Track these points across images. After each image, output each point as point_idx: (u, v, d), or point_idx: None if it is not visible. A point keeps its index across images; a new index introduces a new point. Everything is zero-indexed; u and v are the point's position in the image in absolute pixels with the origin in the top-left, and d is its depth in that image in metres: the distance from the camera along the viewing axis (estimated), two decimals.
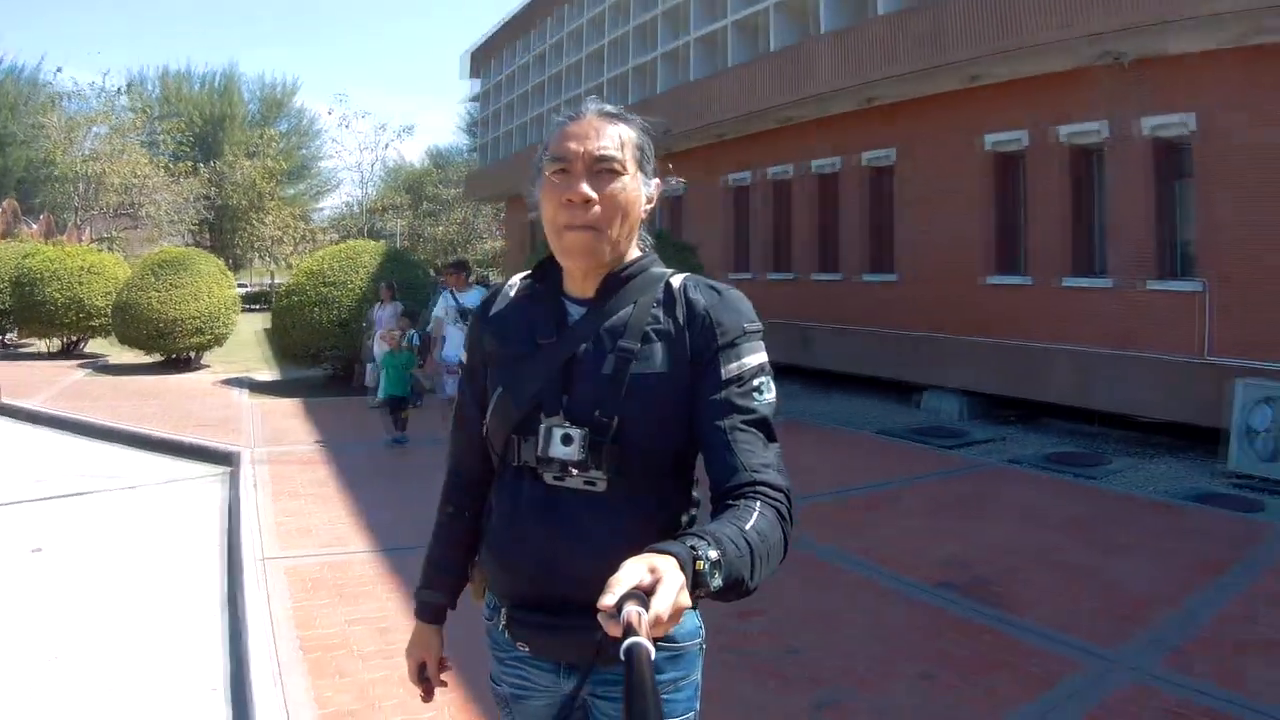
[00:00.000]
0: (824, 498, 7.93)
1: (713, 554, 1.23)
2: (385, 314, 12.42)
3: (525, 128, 31.93)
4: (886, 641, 4.81)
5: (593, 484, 1.55)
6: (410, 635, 1.91)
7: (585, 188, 1.55)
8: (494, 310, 1.76)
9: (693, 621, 1.67)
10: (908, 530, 7.10)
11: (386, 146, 59.35)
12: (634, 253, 1.69)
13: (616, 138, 1.60)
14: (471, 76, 39.25)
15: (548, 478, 1.58)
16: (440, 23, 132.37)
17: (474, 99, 40.71)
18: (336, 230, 49.86)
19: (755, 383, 1.57)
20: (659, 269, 1.69)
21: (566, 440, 1.54)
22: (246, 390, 14.65)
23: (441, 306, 9.40)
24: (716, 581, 1.22)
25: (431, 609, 1.88)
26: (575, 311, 1.66)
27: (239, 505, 7.35)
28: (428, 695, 1.91)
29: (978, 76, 13.70)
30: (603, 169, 1.57)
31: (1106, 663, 4.63)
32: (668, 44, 21.99)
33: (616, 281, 1.64)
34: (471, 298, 9.39)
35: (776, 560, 1.40)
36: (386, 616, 5.01)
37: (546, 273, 1.73)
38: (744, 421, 1.53)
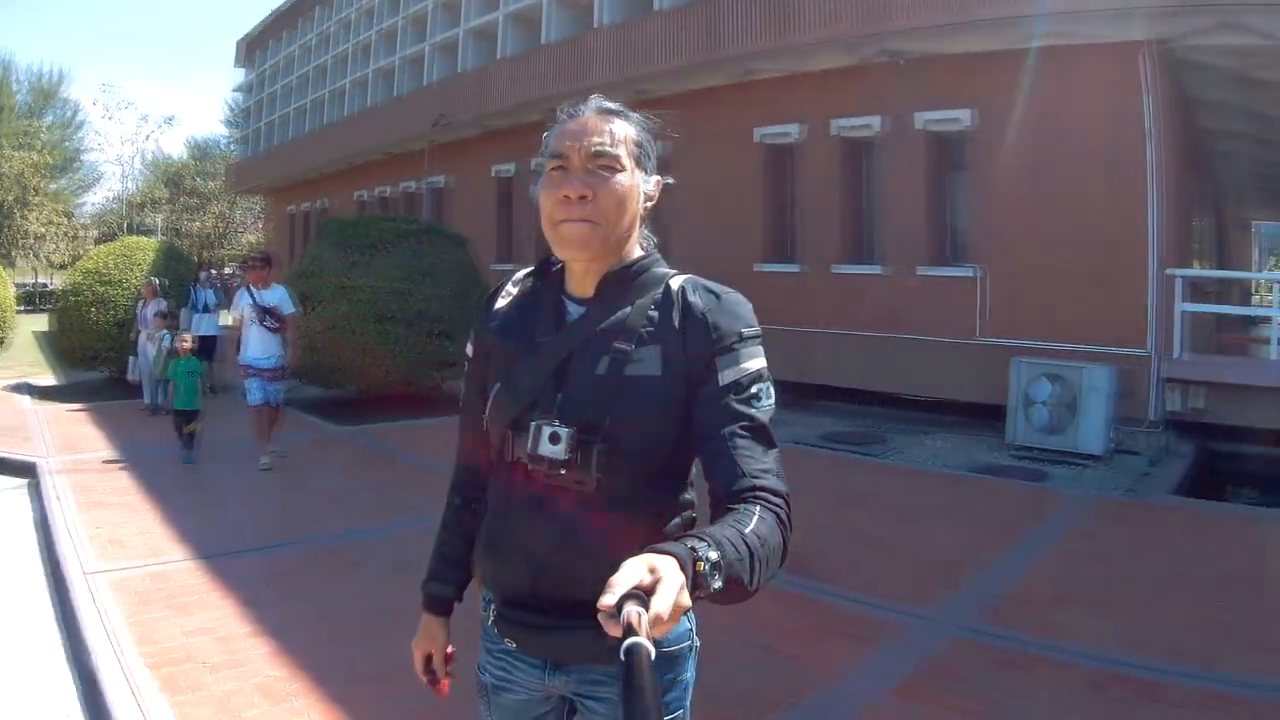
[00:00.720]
0: None
1: (713, 555, 1.22)
2: (148, 312, 11.77)
3: (289, 118, 30.54)
4: (717, 616, 4.74)
5: (582, 483, 1.52)
6: (419, 626, 1.87)
7: (581, 184, 1.53)
8: (496, 306, 1.74)
9: (684, 623, 1.65)
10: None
11: (148, 138, 55.77)
12: (636, 252, 1.66)
13: (614, 134, 1.58)
14: (242, 65, 37.58)
15: (540, 476, 1.54)
16: (213, 8, 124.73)
17: (240, 89, 38.95)
18: (99, 227, 46.79)
19: (754, 389, 1.55)
20: (661, 269, 1.66)
21: (554, 439, 1.51)
22: (28, 396, 13.53)
23: (241, 305, 8.47)
24: (716, 583, 1.21)
25: (439, 601, 1.86)
26: (575, 310, 1.64)
27: (49, 518, 6.90)
28: (435, 687, 1.88)
29: (752, 71, 13.97)
30: (600, 165, 1.55)
31: (928, 621, 4.74)
32: (442, 34, 21.47)
33: (617, 281, 1.62)
34: (272, 295, 8.42)
35: (776, 564, 1.39)
36: (223, 625, 4.80)
37: (548, 271, 1.71)
38: (743, 427, 1.51)
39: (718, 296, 1.61)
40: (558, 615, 1.56)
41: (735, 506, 1.42)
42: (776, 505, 1.44)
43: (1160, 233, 10.79)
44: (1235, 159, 17.41)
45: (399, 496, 7.57)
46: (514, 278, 1.79)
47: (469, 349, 1.82)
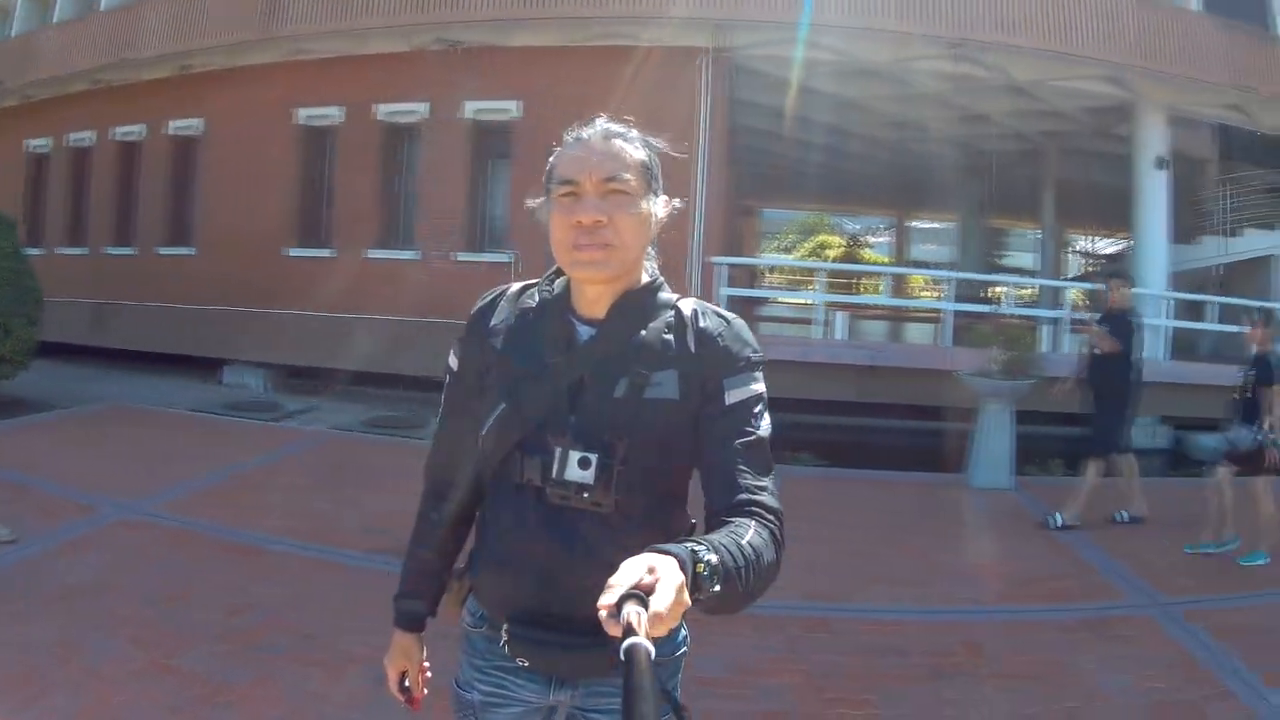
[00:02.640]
0: (199, 483, 7.13)
1: (712, 558, 1.22)
2: None
3: None
4: (375, 611, 4.47)
5: (599, 505, 1.50)
6: (390, 644, 1.82)
7: (596, 210, 1.52)
8: (495, 320, 1.69)
9: (680, 633, 1.69)
10: (309, 503, 6.80)
11: None
12: (644, 274, 1.65)
13: (624, 158, 1.56)
14: None
15: (552, 497, 1.52)
16: None
17: None
18: None
19: (757, 409, 1.56)
20: (666, 293, 1.66)
21: (584, 464, 1.49)
22: None
23: None
24: (715, 585, 1.21)
25: (413, 617, 1.81)
26: (584, 331, 1.61)
27: None
28: (410, 704, 1.84)
29: (304, 51, 13.36)
30: (612, 190, 1.53)
31: None
32: None
33: (628, 303, 1.60)
34: None
35: (769, 579, 1.38)
36: None
37: (553, 287, 1.68)
38: (743, 446, 1.52)
39: (728, 322, 1.62)
40: (571, 633, 1.52)
41: (731, 519, 1.42)
42: (771, 522, 1.45)
43: (704, 224, 11.56)
44: (755, 153, 19.29)
45: None
46: (507, 293, 1.74)
47: (453, 362, 1.75)
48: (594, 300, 1.61)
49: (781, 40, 12.04)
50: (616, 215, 1.53)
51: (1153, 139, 13.90)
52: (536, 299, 1.68)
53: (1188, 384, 12.20)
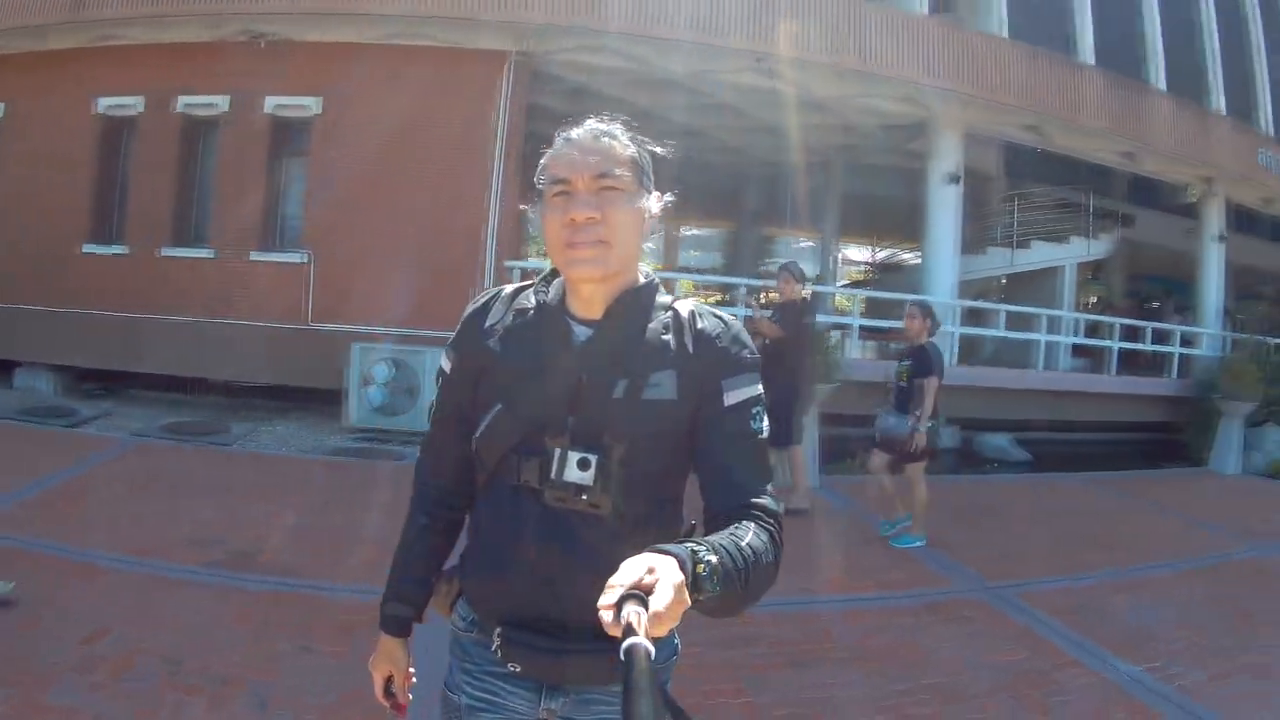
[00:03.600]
0: (12, 495, 6.72)
1: (712, 559, 1.24)
2: None
3: None
4: (235, 627, 4.68)
5: (598, 507, 1.52)
6: (376, 648, 1.81)
7: (589, 207, 1.53)
8: (489, 321, 1.68)
9: (672, 641, 1.68)
10: (132, 516, 6.50)
11: None
12: (638, 273, 1.66)
13: (616, 156, 1.57)
14: None
15: (549, 499, 1.53)
16: None
17: None
18: None
19: (754, 411, 1.59)
20: (662, 295, 1.67)
21: (583, 465, 1.51)
22: None
23: None
24: (714, 586, 1.22)
25: (399, 622, 1.79)
26: (581, 332, 1.61)
27: None
28: (396, 710, 1.82)
29: (109, 37, 12.88)
30: (604, 187, 1.55)
31: None
32: None
33: (623, 302, 1.61)
34: None
35: (768, 581, 1.40)
36: None
37: (546, 288, 1.67)
38: (741, 448, 1.56)
39: (725, 323, 1.63)
40: (567, 638, 1.53)
41: (733, 522, 1.44)
42: (770, 525, 1.47)
43: (498, 227, 11.68)
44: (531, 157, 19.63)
45: None
46: (502, 294, 1.73)
47: (445, 364, 1.74)
48: (589, 300, 1.61)
49: (585, 48, 12.26)
50: (610, 212, 1.54)
51: (947, 155, 14.54)
52: (532, 300, 1.68)
53: (973, 386, 12.95)
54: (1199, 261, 18.68)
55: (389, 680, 1.81)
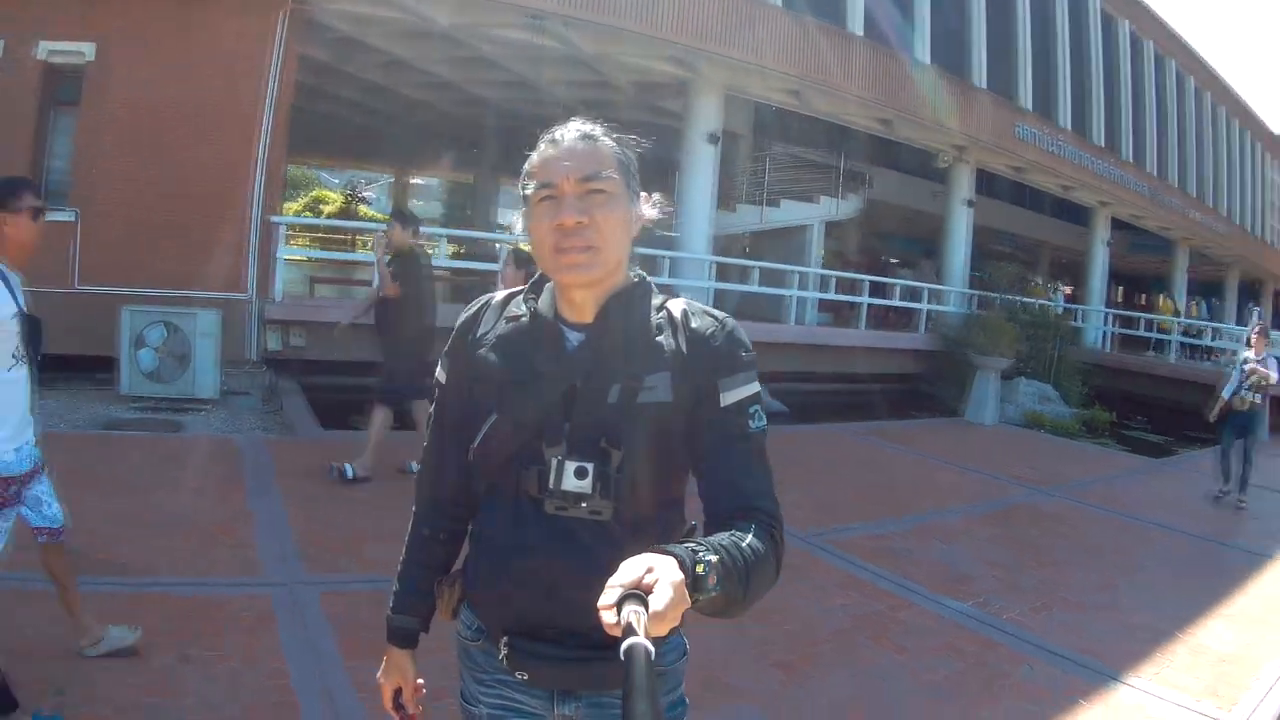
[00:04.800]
0: None
1: (712, 558, 1.23)
2: None
3: None
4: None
5: (598, 514, 1.49)
6: (384, 661, 1.82)
7: (576, 211, 1.50)
8: (480, 330, 1.67)
9: (681, 642, 1.68)
10: None
11: None
12: (628, 274, 1.64)
13: (602, 158, 1.55)
14: None
15: (549, 507, 1.51)
16: None
17: None
18: None
19: (751, 410, 1.56)
20: (655, 295, 1.64)
21: (581, 474, 1.48)
22: None
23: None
24: (714, 585, 1.21)
25: (405, 634, 1.79)
26: (573, 337, 1.59)
27: None
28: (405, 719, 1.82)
29: None
30: (591, 190, 1.52)
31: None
32: None
33: (614, 305, 1.58)
34: None
35: (769, 582, 1.41)
36: None
37: (537, 293, 1.66)
38: (741, 448, 1.53)
39: (718, 320, 1.61)
40: (573, 646, 1.52)
41: (733, 523, 1.43)
42: (771, 526, 1.45)
43: (264, 183, 11.52)
44: (309, 110, 19.40)
45: None
46: (492, 301, 1.72)
47: (440, 374, 1.73)
48: (580, 305, 1.59)
49: None
50: (598, 215, 1.52)
51: (707, 116, 15.30)
52: (523, 306, 1.66)
53: None
54: (947, 223, 20.20)
55: (398, 692, 1.82)
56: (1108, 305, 26.26)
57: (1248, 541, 8.01)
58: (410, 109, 21.11)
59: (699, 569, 1.20)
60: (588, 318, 1.59)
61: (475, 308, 1.73)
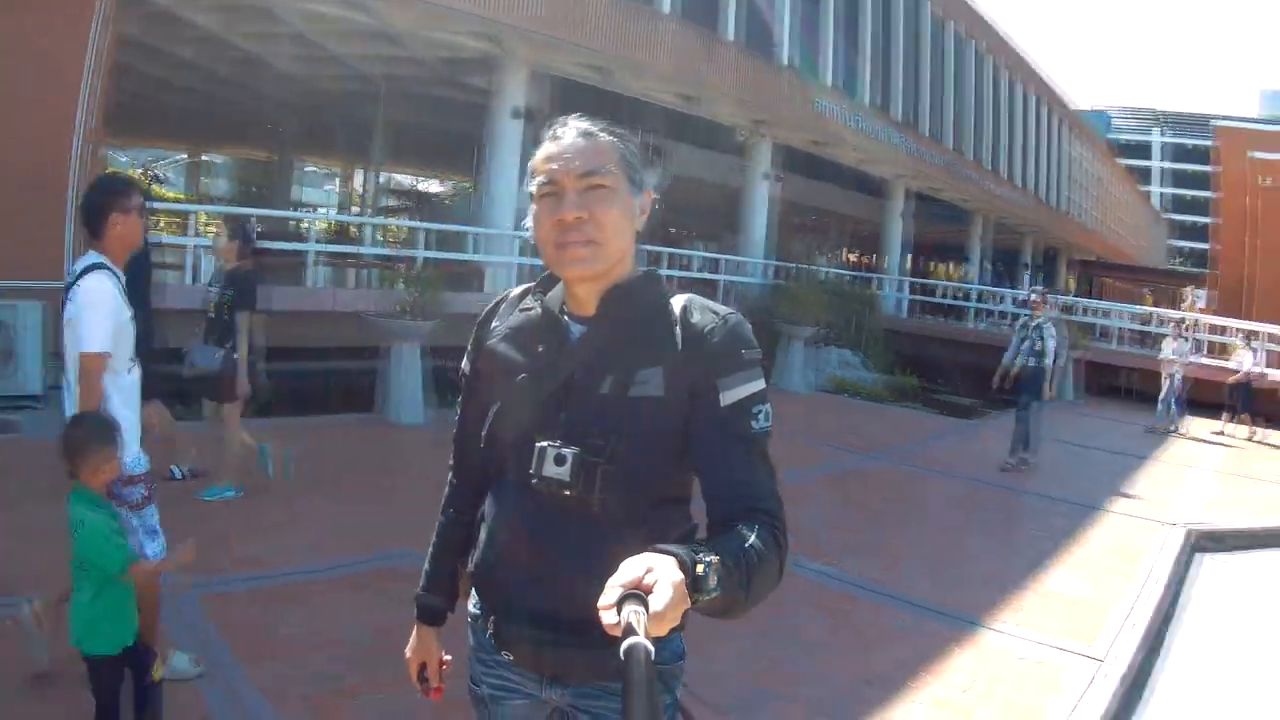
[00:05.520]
0: None
1: (713, 559, 1.22)
2: None
3: None
4: None
5: (587, 504, 1.49)
6: (412, 636, 1.87)
7: (577, 206, 1.52)
8: (495, 323, 1.71)
9: (679, 644, 1.66)
10: None
11: None
12: (632, 268, 1.64)
13: (602, 153, 1.56)
14: None
15: (545, 495, 1.51)
16: None
17: None
18: None
19: (754, 409, 1.53)
20: (659, 288, 1.65)
21: (560, 460, 1.48)
22: None
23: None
24: (714, 586, 1.20)
25: (432, 611, 1.86)
26: (576, 330, 1.61)
27: None
28: (429, 694, 1.88)
29: None
30: (592, 185, 1.53)
31: None
32: None
33: (616, 299, 1.59)
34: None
35: (771, 583, 1.40)
36: None
37: (548, 289, 1.68)
38: (743, 448, 1.51)
39: (720, 316, 1.59)
40: (557, 631, 1.53)
41: (734, 524, 1.41)
42: (774, 527, 1.44)
43: (82, 166, 10.92)
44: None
45: None
46: (509, 296, 1.75)
47: (465, 367, 1.77)
48: (584, 299, 1.61)
49: None
50: (598, 210, 1.53)
51: (514, 91, 15.56)
52: (534, 300, 1.69)
53: None
54: (747, 196, 21.08)
55: (424, 668, 1.88)
56: (905, 275, 27.66)
57: (1071, 494, 8.52)
58: (218, 86, 20.55)
59: (699, 569, 1.20)
60: (590, 311, 1.61)
61: (494, 302, 1.78)
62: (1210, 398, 14.77)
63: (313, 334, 10.60)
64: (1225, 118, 48.39)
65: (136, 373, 3.34)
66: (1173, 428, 13.68)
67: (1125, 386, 17.73)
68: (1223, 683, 4.86)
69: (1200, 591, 6.31)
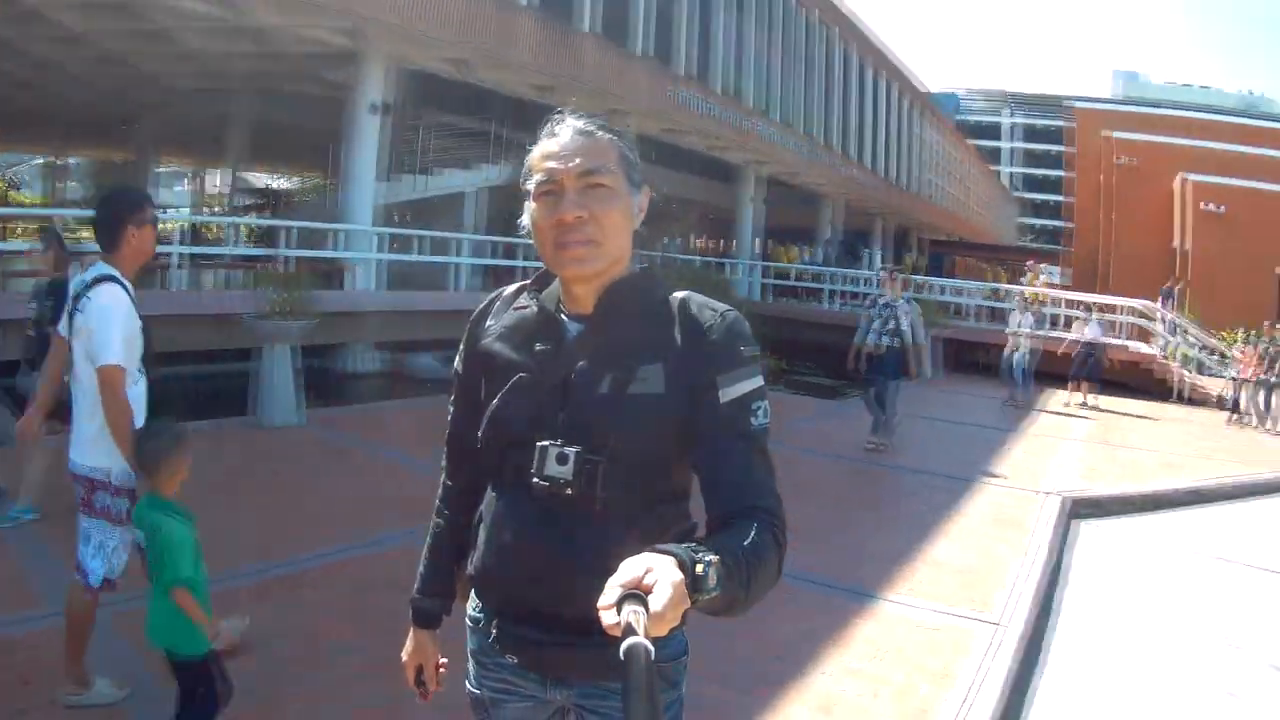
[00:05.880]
0: None
1: (712, 558, 1.22)
2: None
3: None
4: None
5: (584, 502, 1.48)
6: (408, 640, 1.85)
7: (576, 206, 1.51)
8: (490, 321, 1.69)
9: (681, 639, 1.65)
10: None
11: None
12: (630, 266, 1.63)
13: (602, 152, 1.54)
14: None
15: (535, 492, 1.50)
16: None
17: None
18: None
19: (753, 407, 1.53)
20: (657, 285, 1.64)
21: (561, 459, 1.47)
22: None
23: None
24: (714, 585, 1.20)
25: (427, 615, 1.84)
26: (573, 328, 1.60)
27: None
28: (425, 697, 1.87)
29: None
30: (591, 184, 1.52)
31: None
32: None
33: (614, 297, 1.58)
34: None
35: (771, 582, 1.39)
36: None
37: (544, 286, 1.67)
38: (742, 446, 1.50)
39: (719, 314, 1.58)
40: (559, 631, 1.51)
41: (734, 522, 1.41)
42: (773, 525, 1.43)
43: None
44: None
45: None
46: (504, 294, 1.73)
47: (458, 365, 1.76)
48: (582, 297, 1.60)
49: None
50: (597, 210, 1.52)
51: (373, 86, 15.67)
52: (530, 298, 1.68)
53: (396, 310, 14.22)
54: None
55: (420, 670, 1.86)
56: (756, 259, 28.33)
57: (947, 469, 8.73)
58: (78, 87, 19.98)
59: (699, 569, 1.19)
60: (588, 309, 1.60)
61: (487, 301, 1.76)
62: (1058, 369, 15.16)
63: (180, 338, 10.55)
64: (1078, 98, 50.20)
65: (143, 384, 3.36)
66: (1021, 398, 14.06)
67: (983, 362, 18.00)
68: (1112, 640, 5.11)
69: (1081, 556, 6.61)
